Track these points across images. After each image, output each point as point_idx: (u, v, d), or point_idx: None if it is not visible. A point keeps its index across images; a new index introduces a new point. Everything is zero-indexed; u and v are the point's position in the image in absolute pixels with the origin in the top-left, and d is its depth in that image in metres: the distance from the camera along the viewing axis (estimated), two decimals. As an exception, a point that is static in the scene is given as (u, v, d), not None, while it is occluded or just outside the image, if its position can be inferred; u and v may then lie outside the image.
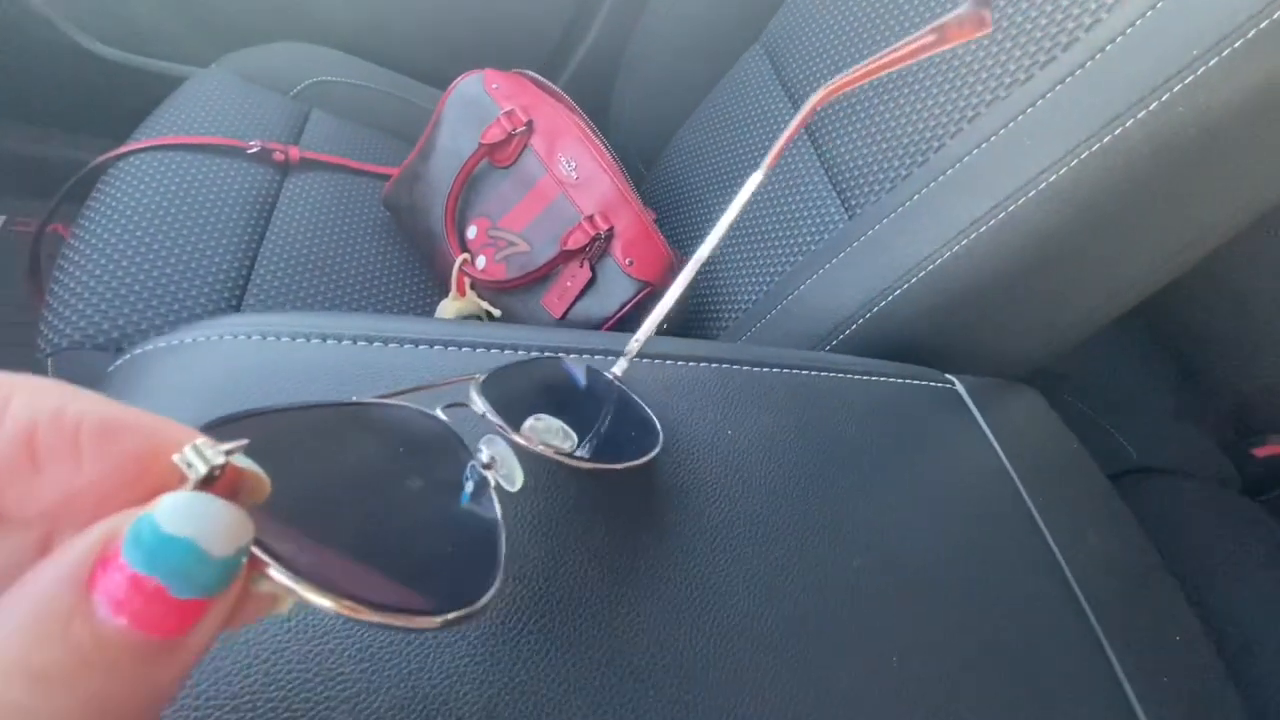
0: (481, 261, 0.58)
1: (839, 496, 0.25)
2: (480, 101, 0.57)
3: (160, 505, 0.10)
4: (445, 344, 0.23)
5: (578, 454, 0.20)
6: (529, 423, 0.20)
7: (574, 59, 0.84)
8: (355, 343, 0.22)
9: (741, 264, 0.59)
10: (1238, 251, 0.72)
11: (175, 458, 0.11)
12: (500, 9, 0.84)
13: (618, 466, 0.20)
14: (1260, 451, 0.83)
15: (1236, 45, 0.29)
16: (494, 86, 0.57)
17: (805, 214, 0.55)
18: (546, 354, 0.24)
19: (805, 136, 0.57)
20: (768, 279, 0.56)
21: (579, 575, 0.20)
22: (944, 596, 0.24)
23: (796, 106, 0.60)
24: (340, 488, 0.14)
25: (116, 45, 0.78)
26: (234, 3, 0.82)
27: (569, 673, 0.18)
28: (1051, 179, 0.33)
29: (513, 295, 0.56)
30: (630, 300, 0.53)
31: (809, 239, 0.53)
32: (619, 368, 0.24)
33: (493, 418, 0.18)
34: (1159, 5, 0.32)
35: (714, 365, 0.26)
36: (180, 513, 0.10)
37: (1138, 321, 0.92)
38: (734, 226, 0.65)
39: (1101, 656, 0.27)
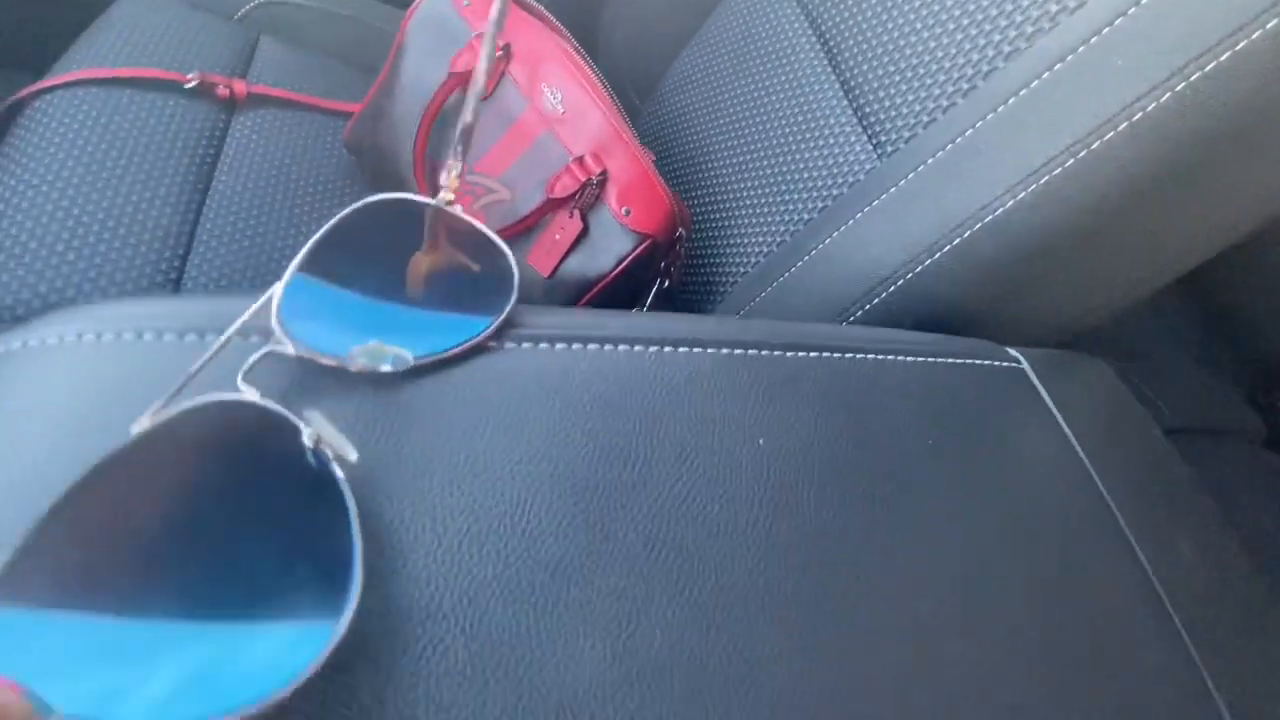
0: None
1: (899, 521, 0.20)
2: (448, 23, 0.49)
3: None
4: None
5: (420, 356, 0.18)
6: (356, 352, 0.17)
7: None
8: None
9: (750, 212, 0.53)
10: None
11: None
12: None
13: (459, 348, 0.18)
14: (1287, 403, 0.79)
15: None
16: (464, 4, 0.49)
17: (825, 152, 0.48)
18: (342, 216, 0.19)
19: (822, 56, 0.50)
20: (783, 231, 0.50)
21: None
22: (1025, 630, 0.20)
23: (812, 21, 0.52)
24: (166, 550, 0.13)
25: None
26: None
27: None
28: (1149, 108, 0.27)
29: (495, 250, 0.50)
30: (629, 255, 0.46)
31: (832, 183, 0.47)
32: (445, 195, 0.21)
33: (311, 356, 0.16)
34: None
35: (718, 351, 0.21)
36: None
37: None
38: (739, 166, 0.59)
39: (1194, 672, 0.23)
